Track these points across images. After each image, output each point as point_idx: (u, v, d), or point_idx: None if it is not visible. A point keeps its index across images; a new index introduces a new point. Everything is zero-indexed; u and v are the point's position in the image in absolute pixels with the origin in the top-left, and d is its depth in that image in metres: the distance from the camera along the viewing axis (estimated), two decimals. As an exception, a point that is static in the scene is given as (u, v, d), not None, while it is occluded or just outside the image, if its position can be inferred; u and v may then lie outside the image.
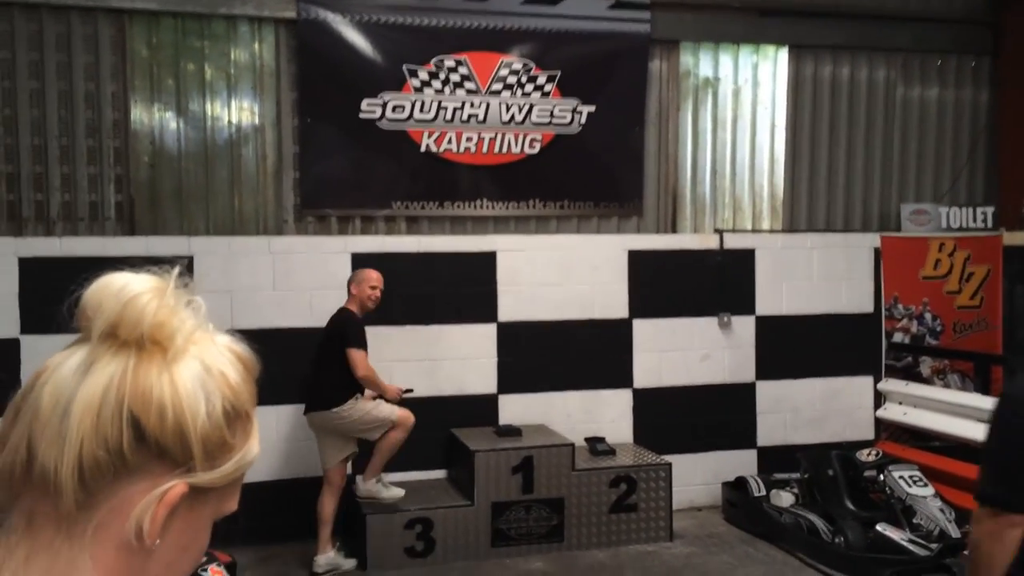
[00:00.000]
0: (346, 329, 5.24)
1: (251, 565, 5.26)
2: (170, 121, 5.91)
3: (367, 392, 5.35)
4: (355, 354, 5.19)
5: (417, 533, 5.37)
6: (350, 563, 5.41)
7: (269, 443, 5.80)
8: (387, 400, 5.37)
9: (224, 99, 5.99)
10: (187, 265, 0.94)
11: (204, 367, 0.81)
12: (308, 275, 5.91)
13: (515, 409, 6.29)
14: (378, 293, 5.37)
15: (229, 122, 6.01)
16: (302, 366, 5.87)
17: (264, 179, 6.08)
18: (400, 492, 5.49)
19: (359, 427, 5.29)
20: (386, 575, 5.25)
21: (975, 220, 7.12)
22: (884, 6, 7.14)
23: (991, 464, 2.05)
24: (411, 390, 5.56)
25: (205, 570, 4.04)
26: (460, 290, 6.13)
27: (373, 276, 5.39)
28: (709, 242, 6.74)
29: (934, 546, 4.85)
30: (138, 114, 5.84)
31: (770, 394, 6.75)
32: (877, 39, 7.14)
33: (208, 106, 5.97)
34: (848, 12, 7.05)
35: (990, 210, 7.17)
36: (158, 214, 5.87)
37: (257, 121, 6.05)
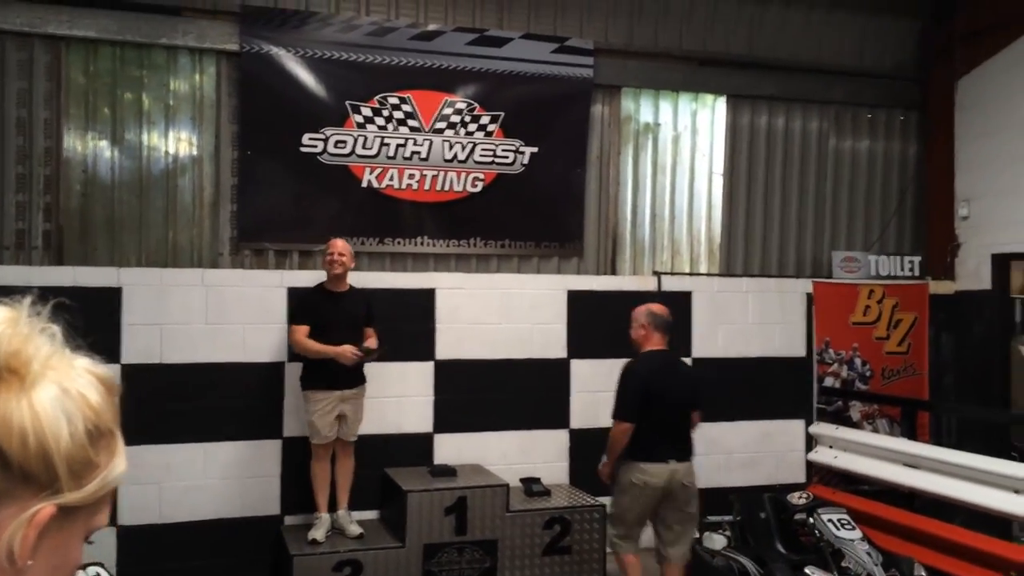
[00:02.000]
0: (294, 307, 5.54)
1: (172, 608, 5.09)
2: (104, 150, 5.80)
3: (306, 397, 5.47)
4: (290, 329, 5.49)
5: (346, 575, 5.25)
6: (354, 530, 5.50)
7: (194, 481, 5.65)
8: (345, 364, 5.32)
9: (162, 129, 5.91)
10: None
11: (63, 390, 0.82)
12: (242, 309, 5.81)
13: (451, 448, 6.23)
14: (335, 257, 5.44)
15: (166, 152, 5.92)
16: (234, 401, 5.78)
17: (200, 211, 5.99)
18: (315, 534, 5.42)
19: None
20: (313, 618, 5.12)
21: (903, 269, 7.34)
22: (819, 60, 7.39)
23: (617, 401, 4.96)
24: (372, 350, 5.39)
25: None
26: (398, 327, 6.08)
27: (333, 244, 5.51)
28: (647, 284, 6.82)
29: (860, 590, 4.90)
30: (71, 142, 5.72)
31: (705, 436, 6.76)
32: (811, 91, 7.37)
33: (145, 136, 5.88)
34: (784, 65, 7.28)
35: (917, 259, 7.40)
36: (88, 244, 5.73)
37: (195, 152, 5.98)
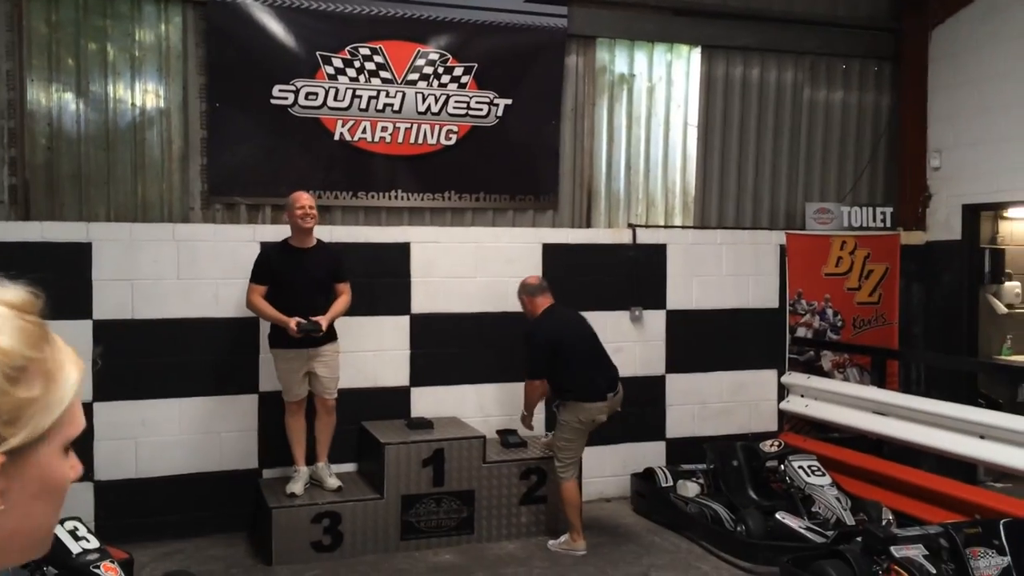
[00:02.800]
0: (254, 265, 5.45)
1: (151, 562, 5.11)
2: (70, 102, 5.67)
3: (274, 357, 5.47)
4: (250, 289, 5.41)
5: (324, 527, 5.29)
6: (333, 483, 5.56)
7: (170, 437, 5.65)
8: (290, 333, 5.26)
9: (128, 81, 5.78)
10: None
11: None
12: (214, 264, 5.75)
13: (428, 402, 6.26)
14: (307, 211, 5.34)
15: (133, 105, 5.80)
16: (208, 356, 5.75)
17: (169, 164, 5.89)
18: (293, 488, 5.46)
19: None
20: (292, 569, 5.16)
21: (875, 220, 7.40)
22: (792, 10, 7.34)
23: (528, 363, 5.42)
24: (314, 326, 5.24)
25: (98, 567, 3.91)
26: (373, 281, 6.06)
27: (301, 197, 5.40)
28: (622, 236, 6.83)
29: (830, 533, 5.02)
30: (35, 94, 5.58)
31: (679, 387, 6.88)
32: (785, 42, 7.34)
33: (111, 88, 5.74)
34: (758, 15, 7.23)
35: (889, 210, 7.46)
36: (55, 199, 5.63)
37: (163, 104, 5.86)
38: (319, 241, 5.56)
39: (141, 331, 5.55)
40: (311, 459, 5.63)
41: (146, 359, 5.53)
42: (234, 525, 5.71)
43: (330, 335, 5.50)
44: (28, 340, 0.84)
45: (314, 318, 5.30)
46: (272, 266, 5.40)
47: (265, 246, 5.60)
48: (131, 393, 5.49)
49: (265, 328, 5.78)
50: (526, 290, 5.76)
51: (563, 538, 5.58)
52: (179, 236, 5.73)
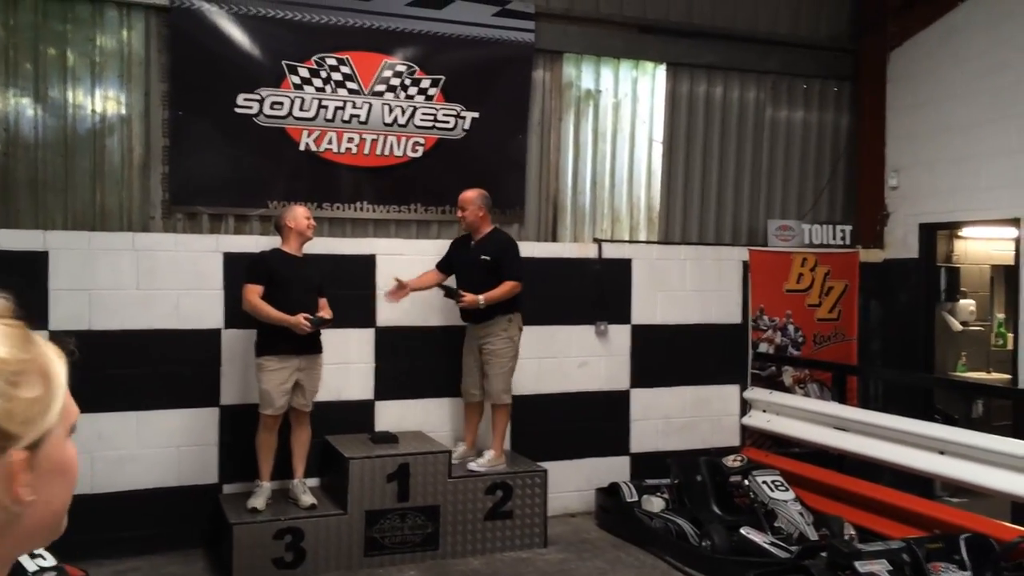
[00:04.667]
0: (249, 265, 5.40)
1: (106, 580, 4.97)
2: (27, 108, 5.53)
3: (261, 365, 5.33)
4: (244, 287, 5.33)
5: (287, 543, 5.19)
6: (307, 500, 5.46)
7: (128, 451, 5.51)
8: (298, 333, 5.26)
9: (88, 87, 5.66)
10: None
11: None
12: (175, 274, 5.64)
13: (392, 416, 6.19)
14: (311, 222, 5.53)
15: (93, 111, 5.68)
16: (168, 368, 5.63)
17: (130, 172, 5.77)
18: (254, 503, 5.35)
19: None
20: (253, 588, 5.06)
21: (835, 237, 7.52)
22: (755, 30, 7.46)
23: (517, 265, 5.16)
24: (324, 319, 5.39)
25: (53, 587, 3.78)
26: (338, 293, 5.97)
27: (303, 208, 5.60)
28: (588, 251, 6.84)
29: (793, 548, 5.06)
30: (-9, 98, 5.44)
31: (644, 401, 6.90)
32: (749, 61, 7.45)
33: (70, 93, 5.62)
34: (722, 34, 7.33)
35: (848, 228, 7.58)
36: (11, 206, 5.48)
37: (124, 111, 5.75)
38: (306, 255, 5.59)
39: (98, 342, 5.40)
40: (285, 474, 5.54)
41: (103, 371, 5.38)
42: (192, 542, 5.58)
43: (318, 346, 5.50)
44: (19, 344, 0.88)
45: (319, 313, 5.41)
46: (269, 269, 5.37)
47: (261, 252, 5.55)
48: (87, 406, 5.25)
49: (228, 340, 5.69)
50: (487, 202, 5.92)
51: (488, 455, 5.88)
52: (139, 246, 5.61)
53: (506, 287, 5.78)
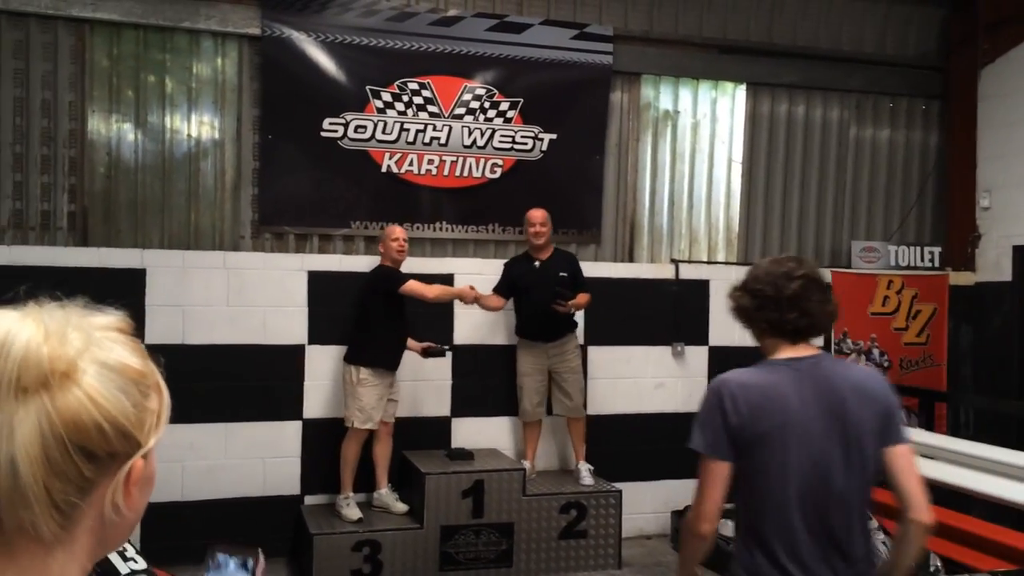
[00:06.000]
0: (388, 278, 5.58)
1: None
2: (128, 132, 5.85)
3: (364, 380, 5.49)
4: (411, 285, 5.52)
5: (364, 555, 5.31)
6: (400, 507, 5.67)
7: (216, 461, 5.72)
8: (460, 297, 5.71)
9: (184, 113, 5.96)
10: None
11: (107, 368, 0.86)
12: (263, 292, 5.87)
13: (468, 432, 6.27)
14: (401, 243, 5.69)
15: (188, 136, 5.97)
16: (255, 382, 5.84)
17: (222, 194, 6.04)
18: (355, 514, 5.50)
19: (347, 397, 5.58)
20: (331, 598, 5.18)
21: (923, 259, 7.31)
22: (839, 48, 7.34)
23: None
24: (446, 349, 5.81)
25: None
26: (416, 310, 6.10)
27: (395, 231, 5.75)
28: (665, 272, 6.82)
29: None
30: (95, 124, 5.77)
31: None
32: (832, 80, 7.34)
33: (168, 119, 5.92)
34: (804, 53, 7.24)
35: (937, 250, 7.36)
36: (112, 225, 5.80)
37: (217, 136, 6.02)
38: None
39: (191, 356, 5.65)
40: (370, 486, 5.73)
41: (195, 384, 5.62)
42: (276, 550, 5.74)
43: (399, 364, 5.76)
44: (145, 358, 0.93)
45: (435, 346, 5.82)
46: (387, 280, 5.65)
47: (378, 267, 5.82)
48: (180, 416, 5.46)
49: (312, 356, 5.90)
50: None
51: (585, 466, 6.12)
52: (229, 264, 5.85)
53: (586, 298, 5.92)
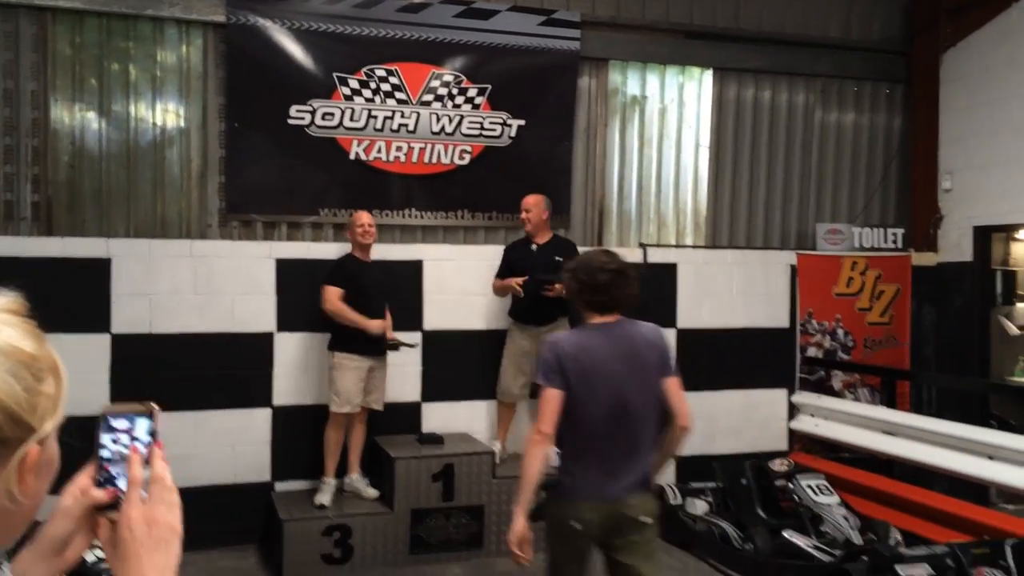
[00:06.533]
0: (328, 274, 5.61)
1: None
2: (92, 121, 5.82)
3: (338, 364, 5.55)
4: (325, 289, 5.54)
5: (335, 540, 5.35)
6: (371, 492, 5.70)
7: (185, 449, 5.72)
8: (370, 335, 5.52)
9: (149, 101, 5.93)
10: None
11: None
12: (231, 280, 5.87)
13: (439, 418, 6.32)
14: (364, 229, 5.68)
15: (154, 124, 5.94)
16: (223, 370, 5.85)
17: (188, 182, 6.02)
18: (320, 500, 5.53)
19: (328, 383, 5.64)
20: (302, 582, 5.22)
21: (886, 241, 7.42)
22: (805, 33, 7.41)
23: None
24: (401, 344, 5.74)
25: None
26: (387, 298, 6.14)
27: (359, 216, 5.76)
28: (633, 256, 6.85)
29: (837, 552, 5.03)
30: (59, 113, 5.74)
31: (690, 405, 6.88)
32: (798, 64, 7.41)
33: (132, 107, 5.89)
34: (770, 38, 7.30)
35: (900, 231, 7.48)
36: (77, 215, 5.77)
37: (183, 124, 6.00)
38: (373, 260, 5.87)
39: (158, 345, 5.66)
40: (342, 471, 5.76)
41: (162, 372, 5.62)
42: (246, 537, 5.79)
43: (384, 349, 5.78)
44: (39, 340, 0.90)
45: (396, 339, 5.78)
46: (347, 273, 5.63)
47: (340, 258, 5.81)
48: (147, 406, 5.57)
49: (280, 343, 5.89)
50: (549, 206, 6.21)
51: None
52: (196, 252, 5.85)
53: None
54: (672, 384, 3.39)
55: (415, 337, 6.20)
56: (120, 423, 0.99)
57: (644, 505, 3.35)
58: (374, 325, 5.52)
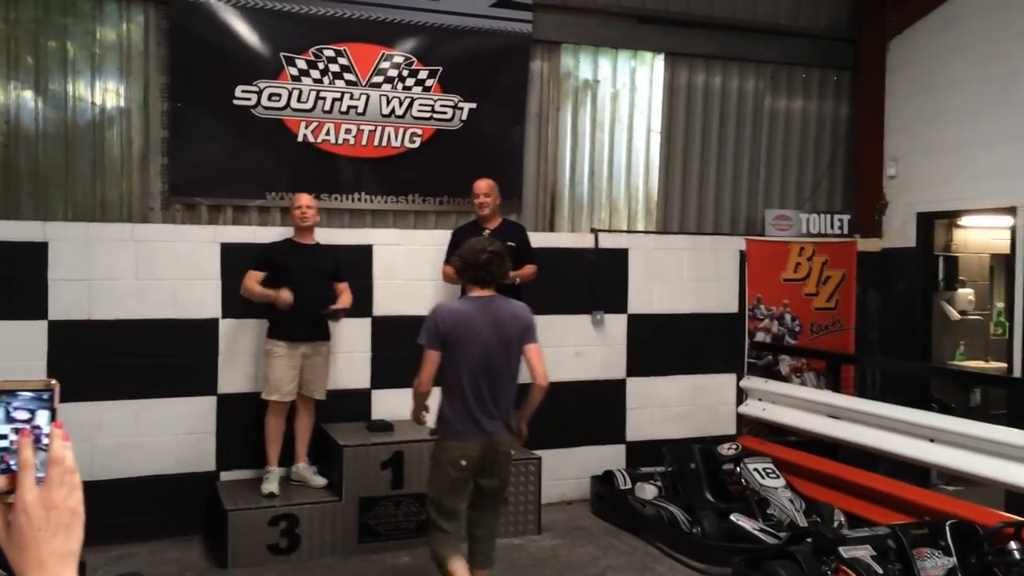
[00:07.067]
0: (255, 255, 5.54)
1: (104, 564, 5.06)
2: (28, 100, 5.62)
3: (270, 351, 5.49)
4: (247, 277, 5.47)
5: (281, 530, 5.28)
6: (319, 481, 5.64)
7: (126, 439, 5.60)
8: (279, 306, 5.38)
9: (88, 80, 5.74)
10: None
11: None
12: (173, 265, 5.73)
13: (389, 404, 6.25)
14: (302, 211, 5.58)
15: (93, 104, 5.76)
16: (166, 358, 5.72)
17: (129, 164, 5.85)
18: (267, 488, 5.44)
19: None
20: (248, 572, 5.14)
21: (833, 227, 7.52)
22: (755, 20, 7.45)
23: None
24: (337, 310, 5.54)
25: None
26: (329, 281, 6.04)
27: (299, 198, 5.67)
28: (585, 241, 6.88)
29: (783, 535, 5.10)
30: (-8, 91, 5.53)
31: (639, 390, 6.95)
32: (748, 51, 7.45)
33: (70, 86, 5.70)
34: (721, 24, 7.33)
35: (846, 218, 7.58)
36: (12, 197, 5.57)
37: (123, 104, 5.82)
38: (318, 242, 5.72)
39: (97, 332, 5.50)
40: (289, 460, 5.68)
41: (102, 360, 5.48)
42: (191, 528, 5.68)
43: (325, 333, 5.65)
44: None
45: (337, 304, 5.57)
46: (274, 257, 5.51)
47: (272, 242, 5.69)
48: (87, 394, 5.43)
49: (226, 330, 5.78)
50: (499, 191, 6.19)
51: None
52: (138, 236, 5.69)
53: (531, 269, 5.95)
54: (532, 350, 4.21)
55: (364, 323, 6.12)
56: (16, 403, 0.95)
57: (508, 441, 4.29)
58: (284, 295, 5.36)
